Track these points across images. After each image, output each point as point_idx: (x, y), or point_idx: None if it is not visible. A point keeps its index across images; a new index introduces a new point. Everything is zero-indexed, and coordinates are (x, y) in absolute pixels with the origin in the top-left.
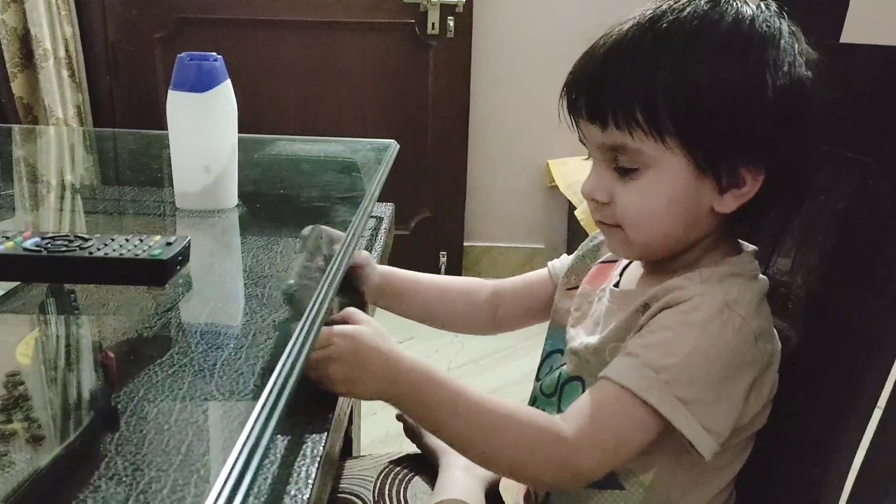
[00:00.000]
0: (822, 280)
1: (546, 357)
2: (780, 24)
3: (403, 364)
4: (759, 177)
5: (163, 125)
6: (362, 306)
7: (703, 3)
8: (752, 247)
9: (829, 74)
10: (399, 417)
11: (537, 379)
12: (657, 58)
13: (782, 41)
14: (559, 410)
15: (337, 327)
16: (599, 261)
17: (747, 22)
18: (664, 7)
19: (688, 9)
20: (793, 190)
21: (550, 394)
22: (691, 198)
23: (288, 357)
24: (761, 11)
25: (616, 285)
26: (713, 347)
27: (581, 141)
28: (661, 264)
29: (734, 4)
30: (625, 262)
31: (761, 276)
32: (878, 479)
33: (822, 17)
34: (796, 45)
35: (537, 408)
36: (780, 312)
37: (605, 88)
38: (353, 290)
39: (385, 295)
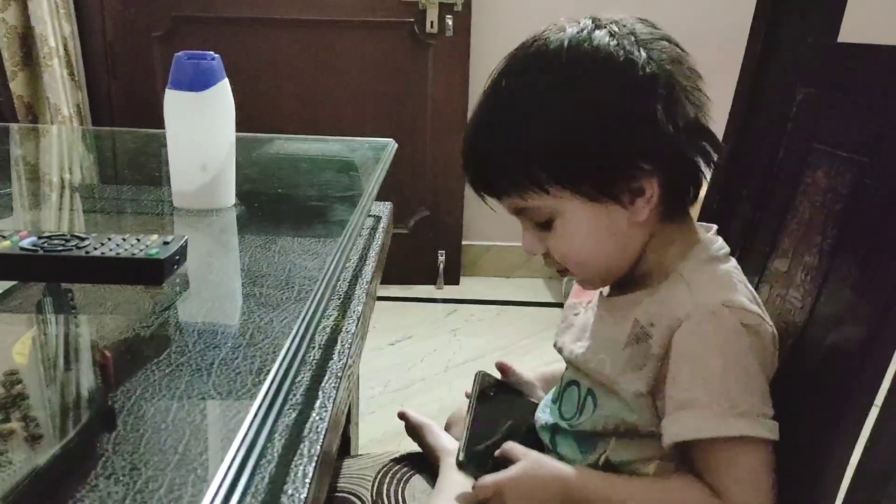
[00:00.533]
0: (820, 280)
1: None
2: (593, 36)
3: (572, 483)
4: (653, 178)
5: (161, 124)
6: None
7: (527, 48)
8: (712, 227)
9: (826, 72)
10: (400, 415)
11: None
12: (502, 128)
13: (601, 48)
14: (559, 412)
15: (500, 477)
16: None
17: (563, 55)
18: (495, 77)
19: (509, 69)
20: (692, 161)
21: (555, 399)
22: (605, 224)
23: (285, 356)
24: (577, 33)
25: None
26: (739, 350)
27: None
28: (631, 272)
29: (546, 38)
30: None
31: (730, 256)
32: (876, 477)
33: (820, 17)
34: (617, 42)
35: (543, 411)
36: (778, 312)
37: (480, 168)
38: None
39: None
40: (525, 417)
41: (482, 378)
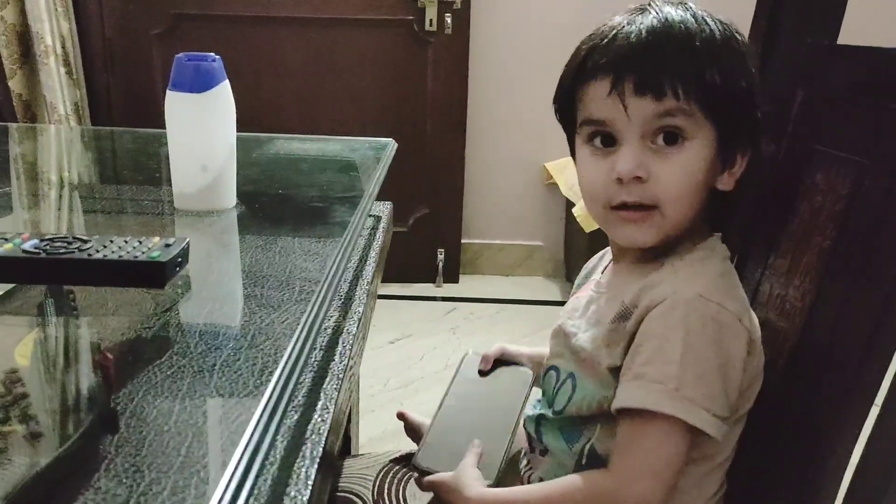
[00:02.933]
0: (820, 280)
1: None
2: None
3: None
4: (748, 156)
5: (160, 122)
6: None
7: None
8: (718, 234)
9: (826, 74)
10: (399, 415)
11: None
12: (706, 43)
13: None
14: (542, 402)
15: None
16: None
17: (732, 25)
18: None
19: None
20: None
21: (543, 392)
22: (710, 174)
23: (289, 358)
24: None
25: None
26: (702, 341)
27: (600, 127)
28: (647, 251)
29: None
30: (610, 259)
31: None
32: (876, 477)
33: (819, 19)
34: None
35: (531, 409)
36: (777, 312)
37: (668, 60)
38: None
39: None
40: (509, 398)
41: (466, 361)
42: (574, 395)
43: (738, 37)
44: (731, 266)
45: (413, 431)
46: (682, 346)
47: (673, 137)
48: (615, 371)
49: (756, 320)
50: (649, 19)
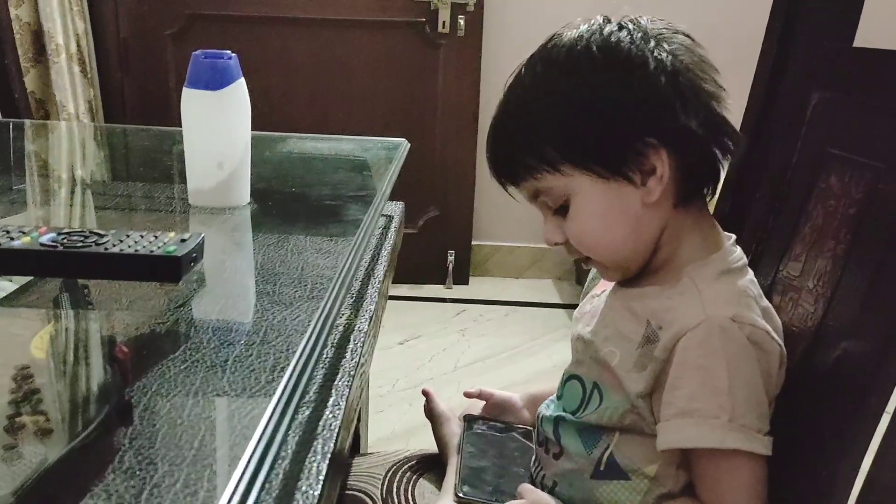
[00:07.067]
0: (833, 285)
1: None
2: (604, 29)
3: None
4: (661, 152)
5: (173, 121)
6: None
7: (543, 46)
8: (731, 236)
9: (841, 77)
10: (424, 392)
11: None
12: (515, 117)
13: (609, 38)
14: (562, 407)
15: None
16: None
17: (574, 47)
18: (515, 75)
19: (527, 65)
20: (710, 144)
21: (560, 396)
22: (617, 203)
23: (301, 354)
24: (589, 28)
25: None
26: (744, 365)
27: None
28: (653, 266)
29: (561, 35)
30: None
31: (748, 267)
32: (887, 485)
33: (835, 21)
34: (627, 33)
35: (548, 407)
36: (790, 316)
37: (499, 157)
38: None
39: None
40: (511, 451)
41: (467, 422)
42: (601, 405)
43: (585, 54)
44: (750, 273)
45: (432, 414)
46: (727, 375)
47: (558, 207)
48: (642, 398)
49: (780, 325)
50: (500, 104)
